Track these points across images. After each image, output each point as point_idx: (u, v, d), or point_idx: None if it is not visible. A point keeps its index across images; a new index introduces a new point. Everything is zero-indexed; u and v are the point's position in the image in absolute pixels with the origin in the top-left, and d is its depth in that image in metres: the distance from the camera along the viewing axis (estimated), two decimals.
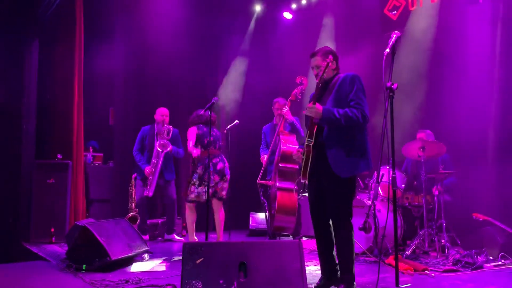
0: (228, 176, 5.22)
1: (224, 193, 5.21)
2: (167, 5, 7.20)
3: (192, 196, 5.10)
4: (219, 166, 5.12)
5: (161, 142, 5.69)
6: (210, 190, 4.93)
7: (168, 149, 5.71)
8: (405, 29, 6.24)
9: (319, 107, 3.20)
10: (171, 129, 5.84)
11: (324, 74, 3.29)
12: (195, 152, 5.08)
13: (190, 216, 5.26)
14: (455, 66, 5.78)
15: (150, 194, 5.71)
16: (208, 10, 7.66)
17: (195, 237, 5.33)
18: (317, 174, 3.35)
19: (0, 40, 5.59)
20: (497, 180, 5.22)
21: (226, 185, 5.21)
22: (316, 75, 3.43)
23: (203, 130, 5.20)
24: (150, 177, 5.72)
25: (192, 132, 5.20)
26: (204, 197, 5.02)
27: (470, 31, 5.66)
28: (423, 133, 5.44)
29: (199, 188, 5.09)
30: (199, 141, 5.18)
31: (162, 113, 5.97)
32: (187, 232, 5.81)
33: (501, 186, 5.15)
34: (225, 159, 5.28)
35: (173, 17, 7.24)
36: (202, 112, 5.24)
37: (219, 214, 5.24)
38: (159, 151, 5.69)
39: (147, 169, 5.77)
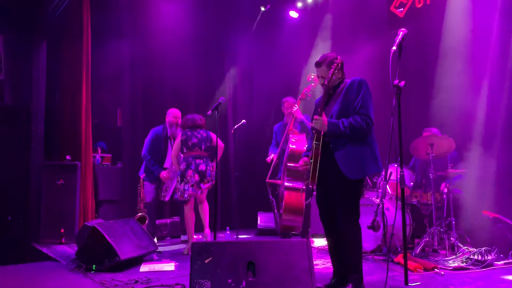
0: (209, 178, 5.16)
1: (205, 192, 5.22)
2: (173, 5, 7.23)
3: (185, 195, 5.08)
4: (201, 167, 5.10)
5: None
6: (197, 191, 5.07)
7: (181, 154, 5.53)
8: (412, 26, 6.20)
9: (324, 120, 3.22)
10: None
11: (333, 78, 3.30)
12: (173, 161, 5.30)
13: (190, 218, 5.22)
14: (462, 62, 5.74)
15: (167, 199, 5.63)
16: (214, 10, 7.68)
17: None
18: (326, 175, 3.35)
19: (8, 42, 5.65)
20: (507, 177, 5.17)
21: (208, 185, 5.18)
22: (323, 84, 3.46)
23: (187, 135, 5.20)
24: (168, 182, 5.59)
25: (177, 139, 5.26)
26: (185, 195, 5.06)
27: (478, 26, 5.62)
28: (429, 132, 5.39)
29: (181, 184, 5.08)
30: (184, 145, 5.18)
31: (174, 115, 5.82)
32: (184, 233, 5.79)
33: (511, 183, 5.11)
34: (209, 162, 5.22)
35: (179, 17, 7.26)
36: (190, 116, 5.33)
37: (203, 205, 5.26)
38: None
39: (164, 174, 5.61)
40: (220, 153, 5.34)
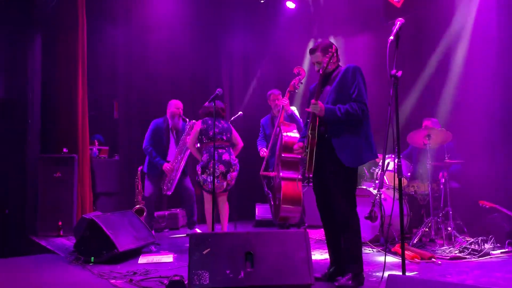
0: (236, 167, 5.07)
1: (233, 182, 5.10)
2: None
3: (210, 186, 4.86)
4: (225, 156, 4.97)
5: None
6: (223, 183, 4.94)
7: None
8: (410, 16, 6.17)
9: (321, 105, 3.26)
10: (194, 122, 5.47)
11: (328, 66, 3.31)
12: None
13: (208, 211, 5.07)
14: (460, 54, 5.74)
15: (170, 192, 5.55)
16: (210, 0, 7.62)
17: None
18: (322, 164, 3.35)
19: (2, 34, 5.60)
20: (503, 167, 5.18)
21: (234, 174, 5.07)
22: (318, 71, 3.47)
23: (207, 124, 5.06)
24: (173, 174, 5.47)
25: (196, 127, 5.14)
26: (210, 186, 4.89)
27: (476, 14, 5.61)
28: (429, 121, 5.41)
29: (202, 176, 4.96)
30: (204, 135, 5.04)
31: (177, 106, 5.73)
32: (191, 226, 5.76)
33: (508, 173, 5.13)
34: (231, 151, 5.14)
35: (175, 8, 7.21)
36: (206, 104, 5.11)
37: (224, 205, 5.16)
38: (187, 147, 5.44)
39: (167, 166, 5.49)
40: (237, 151, 5.26)
